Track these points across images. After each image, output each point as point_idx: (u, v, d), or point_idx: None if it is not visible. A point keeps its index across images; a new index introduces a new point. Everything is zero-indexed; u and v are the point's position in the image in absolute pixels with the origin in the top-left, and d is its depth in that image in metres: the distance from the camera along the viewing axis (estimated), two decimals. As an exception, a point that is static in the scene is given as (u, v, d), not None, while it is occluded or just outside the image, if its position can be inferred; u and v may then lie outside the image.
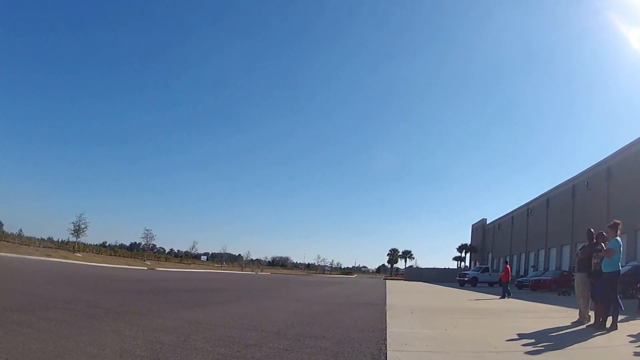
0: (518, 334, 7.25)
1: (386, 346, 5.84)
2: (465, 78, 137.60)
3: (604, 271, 8.17)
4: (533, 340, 6.65)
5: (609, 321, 7.96)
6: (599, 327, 8.03)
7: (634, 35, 55.54)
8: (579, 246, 9.64)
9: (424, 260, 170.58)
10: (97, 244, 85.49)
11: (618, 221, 8.34)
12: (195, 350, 4.97)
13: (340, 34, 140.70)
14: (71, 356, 4.28)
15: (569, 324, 8.90)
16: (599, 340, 6.89)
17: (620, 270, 8.26)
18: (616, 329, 7.77)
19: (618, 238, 8.19)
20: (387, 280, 55.12)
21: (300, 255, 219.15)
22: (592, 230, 9.63)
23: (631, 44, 59.08)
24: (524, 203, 59.08)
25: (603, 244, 8.72)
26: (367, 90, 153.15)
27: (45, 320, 6.39)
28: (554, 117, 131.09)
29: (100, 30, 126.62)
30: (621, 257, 8.31)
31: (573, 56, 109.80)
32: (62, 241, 62.63)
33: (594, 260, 8.80)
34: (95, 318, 7.04)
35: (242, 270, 73.22)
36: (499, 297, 19.72)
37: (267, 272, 76.10)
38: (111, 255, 60.94)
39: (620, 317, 8.31)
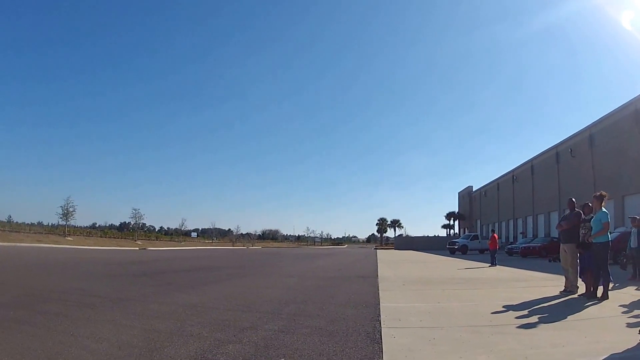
0: (511, 306, 7.41)
1: (380, 323, 5.94)
2: (446, 48, 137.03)
3: (594, 242, 8.31)
4: (526, 312, 6.82)
5: (600, 291, 8.17)
6: (590, 296, 8.23)
7: (626, 17, 55.68)
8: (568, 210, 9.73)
9: (412, 228, 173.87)
10: (87, 226, 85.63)
11: (605, 193, 8.43)
12: (192, 337, 5.03)
13: (312, 6, 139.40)
14: (71, 352, 4.29)
15: (559, 293, 9.10)
16: (592, 310, 7.06)
17: (610, 240, 8.41)
18: (607, 298, 7.97)
19: (604, 209, 8.29)
20: (377, 250, 55.92)
21: (289, 227, 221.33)
22: (573, 199, 9.75)
23: (622, 24, 59.50)
24: (508, 170, 59.92)
25: (592, 215, 8.86)
26: (348, 57, 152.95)
27: (42, 314, 6.38)
28: (539, 83, 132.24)
29: (68, 9, 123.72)
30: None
31: (561, 28, 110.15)
32: (52, 225, 62.83)
33: (582, 231, 8.93)
34: (90, 308, 7.05)
35: (233, 246, 73.57)
36: (488, 265, 20.18)
37: (258, 246, 76.64)
38: (102, 237, 60.55)
39: (610, 286, 8.57)
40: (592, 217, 8.80)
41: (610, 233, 8.51)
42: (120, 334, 5.12)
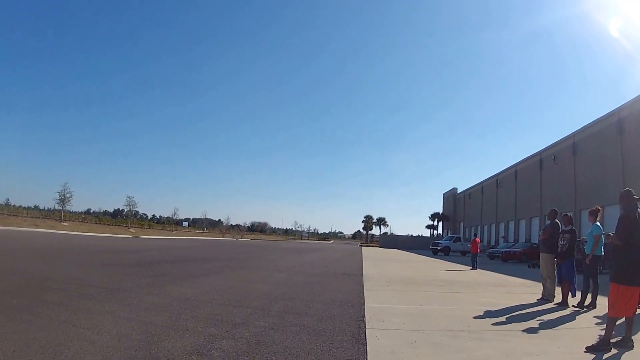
0: (490, 311, 7.68)
1: (365, 323, 6.18)
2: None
3: (587, 254, 8.66)
4: (504, 319, 7.09)
5: (588, 300, 8.57)
6: (565, 305, 8.63)
7: (613, 24, 56.56)
8: (548, 220, 10.14)
9: (397, 227, 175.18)
10: (82, 211, 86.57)
11: (599, 208, 8.70)
12: (187, 331, 5.23)
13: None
14: (73, 343, 4.47)
15: (536, 300, 9.38)
16: (568, 320, 7.31)
17: (602, 254, 8.74)
18: (584, 308, 8.36)
19: (598, 223, 8.54)
20: (363, 247, 56.44)
21: (278, 220, 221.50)
22: (556, 210, 10.12)
23: (609, 31, 60.57)
24: (493, 174, 60.66)
25: (572, 226, 9.27)
26: (332, 50, 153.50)
27: (43, 303, 6.55)
28: (523, 85, 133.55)
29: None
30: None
31: (547, 37, 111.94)
32: (48, 209, 64.27)
33: (561, 242, 9.23)
34: (89, 298, 7.26)
35: (223, 237, 74.11)
36: (469, 268, 20.62)
37: (247, 238, 77.22)
38: (96, 223, 61.35)
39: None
40: (572, 228, 9.27)
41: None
42: (119, 326, 5.32)
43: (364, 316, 6.80)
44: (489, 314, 7.44)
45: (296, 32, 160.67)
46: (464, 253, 39.85)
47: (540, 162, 44.31)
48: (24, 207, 64.36)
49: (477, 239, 22.70)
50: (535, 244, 32.17)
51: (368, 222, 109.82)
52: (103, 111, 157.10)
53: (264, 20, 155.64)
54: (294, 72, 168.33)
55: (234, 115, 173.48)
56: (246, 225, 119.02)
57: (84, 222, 58.84)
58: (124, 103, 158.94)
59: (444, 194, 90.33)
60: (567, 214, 9.58)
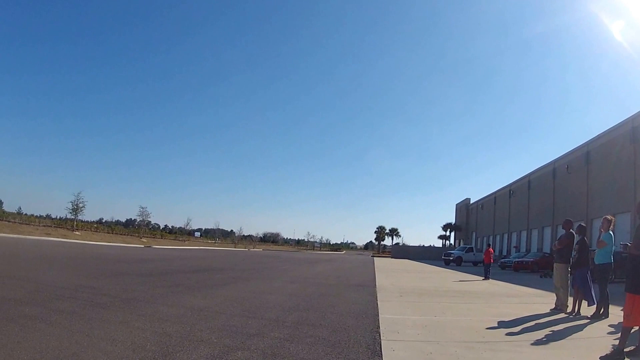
0: (503, 322, 7.60)
1: (380, 335, 6.11)
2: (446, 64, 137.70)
3: (596, 263, 8.62)
4: (518, 329, 6.99)
5: (601, 310, 8.46)
6: (577, 315, 8.59)
7: (616, 28, 56.14)
8: (560, 229, 10.10)
9: (410, 237, 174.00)
10: (94, 220, 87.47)
11: (611, 217, 8.70)
12: (202, 342, 5.17)
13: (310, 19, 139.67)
14: (87, 354, 4.44)
15: (549, 310, 9.31)
16: (581, 330, 7.24)
17: (612, 262, 8.68)
18: (598, 317, 8.27)
19: (610, 232, 8.57)
20: (374, 258, 56.27)
21: (290, 231, 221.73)
22: (571, 220, 10.03)
23: (614, 36, 60.12)
24: (506, 184, 60.50)
25: (583, 236, 9.20)
26: (350, 61, 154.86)
27: (56, 312, 6.56)
28: (536, 98, 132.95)
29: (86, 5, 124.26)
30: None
31: (557, 45, 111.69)
32: (61, 218, 64.65)
33: (574, 252, 9.24)
34: (102, 307, 7.26)
35: (235, 247, 74.31)
36: (482, 278, 20.43)
37: (259, 249, 77.32)
38: (109, 232, 61.84)
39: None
40: (582, 238, 9.35)
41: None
42: (133, 336, 5.27)
43: (378, 327, 6.72)
44: (502, 325, 7.38)
45: (314, 48, 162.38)
46: (475, 263, 39.61)
47: (553, 172, 43.98)
48: (36, 215, 65.16)
49: (491, 249, 22.57)
50: (547, 253, 31.90)
51: (380, 232, 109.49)
52: (117, 120, 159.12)
53: (288, 34, 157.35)
54: (308, 86, 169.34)
55: (248, 127, 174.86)
56: (258, 236, 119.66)
57: (96, 231, 59.48)
58: (139, 113, 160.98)
59: (456, 205, 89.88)
60: (580, 224, 9.52)
